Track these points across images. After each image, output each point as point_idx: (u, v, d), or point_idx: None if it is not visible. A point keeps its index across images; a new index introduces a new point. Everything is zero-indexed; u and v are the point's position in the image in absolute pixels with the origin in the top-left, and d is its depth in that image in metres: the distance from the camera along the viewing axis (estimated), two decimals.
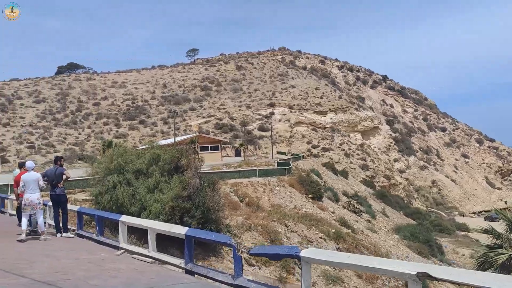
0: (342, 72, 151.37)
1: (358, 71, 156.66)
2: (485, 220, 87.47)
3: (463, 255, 45.99)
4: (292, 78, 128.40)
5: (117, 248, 9.45)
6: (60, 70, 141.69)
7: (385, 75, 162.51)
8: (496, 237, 16.35)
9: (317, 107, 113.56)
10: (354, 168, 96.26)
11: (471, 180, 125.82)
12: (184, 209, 23.68)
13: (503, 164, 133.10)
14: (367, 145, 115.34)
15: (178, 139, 58.92)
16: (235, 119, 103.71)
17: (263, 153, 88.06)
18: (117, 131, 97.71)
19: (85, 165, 70.26)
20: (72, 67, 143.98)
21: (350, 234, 29.33)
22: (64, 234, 11.72)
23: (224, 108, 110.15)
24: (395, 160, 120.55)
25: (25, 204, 11.00)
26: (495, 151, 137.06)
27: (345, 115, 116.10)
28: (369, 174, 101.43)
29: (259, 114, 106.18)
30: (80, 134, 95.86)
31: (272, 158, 64.65)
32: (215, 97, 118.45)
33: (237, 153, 79.27)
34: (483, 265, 15.98)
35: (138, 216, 23.28)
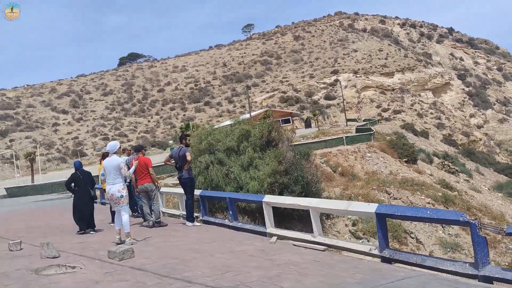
0: (404, 29, 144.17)
1: (421, 26, 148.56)
2: None
3: None
4: (353, 42, 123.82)
5: (263, 234, 8.32)
6: (122, 61, 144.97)
7: (451, 28, 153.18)
8: None
9: (382, 69, 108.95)
10: (429, 128, 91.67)
11: None
12: (283, 185, 22.62)
13: None
14: (440, 103, 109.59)
15: (248, 116, 58.06)
16: (300, 91, 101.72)
17: (332, 122, 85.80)
18: (184, 115, 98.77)
19: (158, 151, 71.44)
20: (133, 57, 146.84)
21: (458, 197, 27.19)
22: (189, 224, 10.40)
23: (287, 81, 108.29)
24: (471, 116, 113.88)
25: (107, 199, 8.96)
26: None
27: (413, 74, 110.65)
28: (446, 133, 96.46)
29: (324, 83, 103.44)
30: (149, 121, 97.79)
31: (346, 126, 62.48)
32: (277, 71, 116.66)
33: (307, 125, 77.61)
34: None
35: None
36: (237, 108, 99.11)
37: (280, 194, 22.24)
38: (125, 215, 8.35)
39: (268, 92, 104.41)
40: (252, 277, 5.37)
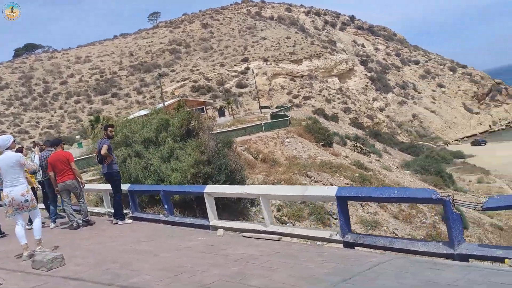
0: (309, 17, 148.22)
1: (325, 14, 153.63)
2: (472, 145, 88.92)
3: (470, 181, 46.06)
4: (262, 30, 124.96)
5: (206, 227, 7.69)
6: (18, 53, 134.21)
7: (353, 15, 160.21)
8: None
9: (291, 56, 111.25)
10: (337, 113, 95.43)
11: (449, 108, 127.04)
12: (207, 174, 21.99)
13: (478, 89, 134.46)
14: (345, 88, 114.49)
15: (161, 105, 56.28)
16: (211, 79, 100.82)
17: (246, 110, 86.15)
18: (90, 108, 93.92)
19: (65, 147, 67.23)
20: (30, 48, 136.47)
21: (373, 176, 28.30)
22: (120, 222, 9.26)
23: (197, 70, 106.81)
24: (374, 99, 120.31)
25: (5, 204, 6.98)
26: (469, 77, 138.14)
27: (320, 60, 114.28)
28: (353, 117, 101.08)
29: (235, 71, 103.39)
30: (52, 116, 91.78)
31: (261, 113, 62.88)
32: (186, 59, 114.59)
33: (221, 113, 77.13)
34: None
35: None
36: (147, 99, 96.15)
37: (204, 184, 21.65)
38: (36, 219, 6.96)
39: (178, 81, 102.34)
40: (212, 276, 4.77)
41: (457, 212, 4.55)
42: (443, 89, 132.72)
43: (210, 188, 7.73)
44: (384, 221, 23.72)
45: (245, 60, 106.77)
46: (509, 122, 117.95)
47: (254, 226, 6.84)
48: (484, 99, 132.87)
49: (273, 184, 25.16)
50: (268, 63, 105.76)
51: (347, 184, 25.79)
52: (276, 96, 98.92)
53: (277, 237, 6.25)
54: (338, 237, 5.63)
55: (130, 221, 9.47)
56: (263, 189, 6.71)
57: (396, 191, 4.95)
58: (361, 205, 24.69)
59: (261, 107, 73.12)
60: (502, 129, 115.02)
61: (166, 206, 8.81)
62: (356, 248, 5.53)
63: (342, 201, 5.50)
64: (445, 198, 4.56)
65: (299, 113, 57.19)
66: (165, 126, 24.80)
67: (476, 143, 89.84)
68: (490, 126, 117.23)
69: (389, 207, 24.97)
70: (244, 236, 6.71)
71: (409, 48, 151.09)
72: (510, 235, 27.22)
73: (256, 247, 5.94)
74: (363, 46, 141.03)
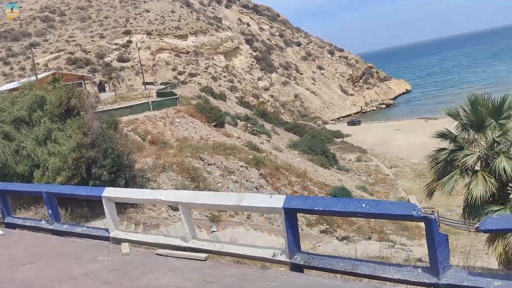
0: None
1: None
2: (348, 125, 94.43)
3: (350, 160, 48.50)
4: (145, 2, 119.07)
5: (106, 239, 6.18)
6: None
7: None
8: (451, 140, 15.82)
9: (176, 31, 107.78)
10: (224, 91, 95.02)
11: (328, 90, 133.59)
12: (91, 159, 19.80)
13: (353, 72, 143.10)
14: (231, 67, 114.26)
15: (34, 78, 50.65)
16: (89, 52, 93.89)
17: (128, 85, 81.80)
18: None
19: None
20: None
21: (267, 158, 28.02)
22: None
23: (74, 41, 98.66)
24: (259, 79, 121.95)
25: None
26: (345, 60, 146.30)
27: (206, 37, 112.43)
28: (239, 95, 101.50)
29: (116, 44, 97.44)
30: None
31: (145, 90, 59.82)
32: (61, 29, 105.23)
33: (101, 89, 72.27)
34: (444, 169, 15.56)
35: (30, 176, 18.82)
36: (15, 70, 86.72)
37: (88, 170, 19.37)
38: None
39: (52, 52, 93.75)
40: None
41: (443, 233, 3.73)
42: (322, 71, 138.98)
43: (111, 192, 6.13)
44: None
45: (127, 33, 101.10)
46: (379, 104, 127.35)
47: (171, 241, 5.49)
48: (358, 82, 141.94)
49: (164, 168, 23.62)
50: (152, 37, 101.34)
51: (242, 166, 25.14)
52: (161, 72, 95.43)
53: (203, 256, 5.02)
54: (284, 258, 4.57)
55: (1, 231, 7.45)
56: (185, 196, 5.35)
57: (364, 205, 3.99)
58: (256, 188, 24.25)
59: (145, 83, 69.75)
60: (373, 110, 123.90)
61: (49, 211, 7.02)
62: (307, 271, 4.54)
63: (290, 214, 4.45)
64: (430, 215, 3.71)
65: (186, 91, 55.36)
66: (40, 103, 21.80)
67: (352, 123, 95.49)
68: (361, 108, 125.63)
69: (283, 189, 24.88)
70: (157, 254, 5.38)
71: (291, 30, 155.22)
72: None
73: (178, 272, 4.66)
74: (248, 25, 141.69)
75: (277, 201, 4.54)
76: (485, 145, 14.93)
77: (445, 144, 16.42)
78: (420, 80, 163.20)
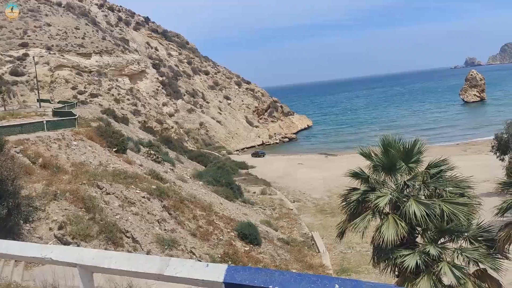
0: (102, 11, 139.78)
1: (119, 11, 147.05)
2: (253, 156, 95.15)
3: (254, 192, 48.16)
4: (47, 15, 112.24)
5: None
6: None
7: (147, 17, 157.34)
8: (363, 180, 15.75)
9: (79, 48, 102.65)
10: (126, 114, 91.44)
11: (233, 120, 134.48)
12: None
13: (258, 104, 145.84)
14: (136, 90, 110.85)
15: None
16: None
17: (21, 101, 75.53)
18: None
19: None
20: None
21: (171, 188, 26.48)
22: None
23: None
24: (164, 104, 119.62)
25: None
26: (252, 92, 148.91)
27: (111, 57, 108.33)
28: (142, 120, 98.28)
29: (10, 56, 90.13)
30: None
31: (40, 107, 55.31)
32: None
33: None
34: (356, 209, 15.36)
35: None
36: None
37: None
38: None
39: None
40: None
41: None
42: (229, 101, 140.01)
43: None
44: (182, 239, 22.06)
45: (24, 45, 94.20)
46: (282, 137, 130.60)
47: None
48: (263, 114, 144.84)
49: (55, 195, 21.17)
50: (51, 52, 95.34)
51: (144, 197, 23.36)
52: (59, 90, 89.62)
53: None
54: None
55: None
56: (87, 257, 4.01)
57: (337, 285, 3.02)
58: (158, 222, 22.60)
59: (40, 101, 64.70)
60: (277, 143, 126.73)
61: None
62: None
63: None
64: None
65: (86, 112, 51.96)
66: None
67: (256, 154, 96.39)
68: (262, 142, 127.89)
69: (187, 223, 23.48)
70: None
71: (200, 58, 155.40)
72: (295, 250, 28.60)
73: None
74: (156, 49, 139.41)
75: (216, 272, 3.40)
76: (395, 187, 15.03)
77: (355, 183, 16.39)
78: (322, 117, 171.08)
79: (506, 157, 39.14)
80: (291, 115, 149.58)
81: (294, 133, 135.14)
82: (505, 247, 13.54)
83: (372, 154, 15.54)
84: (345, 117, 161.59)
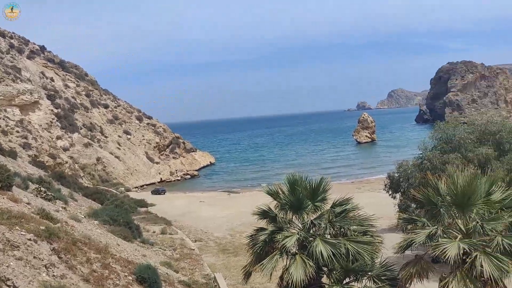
0: None
1: (11, 38, 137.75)
2: (152, 193, 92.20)
3: (154, 232, 46.04)
4: None
5: None
6: None
7: (43, 46, 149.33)
8: (270, 219, 15.44)
9: None
10: (14, 148, 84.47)
11: (133, 156, 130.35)
12: None
13: (160, 140, 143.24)
14: (27, 121, 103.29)
15: None
16: None
17: None
18: None
19: None
20: None
21: (62, 229, 24.20)
22: None
23: None
24: (58, 138, 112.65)
25: None
26: (153, 127, 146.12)
27: (0, 86, 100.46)
28: (33, 154, 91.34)
29: None
30: None
31: None
32: None
33: None
34: (263, 250, 14.92)
35: None
36: None
37: None
38: None
39: None
40: None
41: None
42: (128, 136, 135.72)
43: None
44: (73, 285, 19.98)
45: None
46: (184, 174, 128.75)
47: None
48: (165, 150, 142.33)
49: None
50: None
51: (30, 240, 20.99)
52: None
53: None
54: None
55: None
56: None
57: None
58: (46, 267, 20.34)
59: None
60: (178, 180, 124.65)
61: None
62: None
63: None
64: None
65: None
66: None
67: (156, 192, 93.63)
68: (161, 179, 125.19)
69: (80, 267, 21.41)
70: None
71: (99, 91, 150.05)
72: None
73: None
74: (52, 80, 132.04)
75: None
76: (302, 227, 14.92)
77: (262, 223, 16.06)
78: (225, 154, 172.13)
79: (397, 195, 41.47)
80: (193, 151, 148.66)
81: (196, 170, 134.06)
82: (406, 286, 13.84)
83: (280, 193, 15.39)
84: (248, 155, 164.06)
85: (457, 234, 13.20)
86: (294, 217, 15.16)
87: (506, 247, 12.07)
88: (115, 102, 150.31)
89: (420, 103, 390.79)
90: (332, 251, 13.46)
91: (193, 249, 40.22)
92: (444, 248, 12.19)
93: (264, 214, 15.53)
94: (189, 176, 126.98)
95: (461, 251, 12.21)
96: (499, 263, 11.68)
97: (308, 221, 14.79)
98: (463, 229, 13.33)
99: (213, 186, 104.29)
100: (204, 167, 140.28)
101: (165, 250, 37.15)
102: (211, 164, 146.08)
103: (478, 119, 36.33)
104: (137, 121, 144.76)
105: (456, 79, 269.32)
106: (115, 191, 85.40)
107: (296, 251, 14.36)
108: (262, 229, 15.35)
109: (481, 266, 11.71)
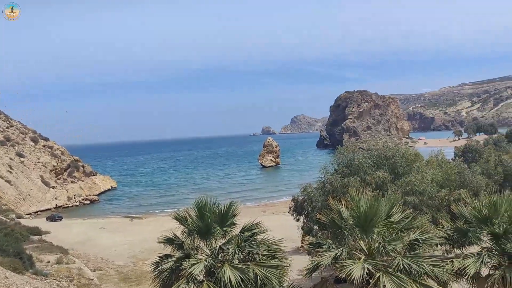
0: None
1: None
2: (48, 220, 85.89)
3: (49, 262, 42.71)
4: None
5: None
6: None
7: None
8: (177, 246, 14.81)
9: None
10: None
11: (26, 180, 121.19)
12: None
13: (57, 163, 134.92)
14: None
15: None
16: None
17: None
18: None
19: None
20: None
21: None
22: None
23: None
24: None
25: None
26: (50, 150, 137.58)
27: None
28: None
29: None
30: None
31: None
32: None
33: None
34: (169, 279, 14.22)
35: None
36: None
37: None
38: None
39: None
40: None
41: None
42: (22, 158, 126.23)
43: None
44: None
45: None
46: (83, 199, 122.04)
47: None
48: (62, 174, 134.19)
49: None
50: None
51: None
52: None
53: None
54: None
55: None
56: None
57: None
58: None
59: None
60: (76, 205, 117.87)
61: None
62: None
63: None
64: None
65: None
66: None
67: (52, 218, 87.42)
68: (56, 204, 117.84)
69: None
70: None
71: None
72: None
73: None
74: None
75: None
76: (209, 253, 14.51)
77: (167, 249, 15.40)
78: (128, 178, 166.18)
79: (301, 218, 42.40)
80: (93, 175, 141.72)
81: (96, 195, 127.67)
82: None
83: (188, 218, 14.91)
84: (151, 179, 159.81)
85: (360, 255, 13.62)
86: (202, 243, 14.71)
87: (406, 266, 12.67)
88: (8, 122, 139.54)
89: (320, 129, 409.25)
90: (240, 277, 13.21)
91: (92, 279, 37.75)
92: (350, 269, 12.48)
93: (170, 241, 14.90)
94: (88, 202, 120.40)
95: (366, 272, 12.57)
96: (401, 282, 12.20)
97: (216, 246, 14.43)
98: (365, 250, 13.80)
99: (114, 211, 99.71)
100: (105, 191, 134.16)
101: (60, 281, 34.43)
102: (113, 188, 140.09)
103: (374, 145, 38.50)
104: (32, 143, 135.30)
105: (353, 107, 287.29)
106: (4, 219, 78.32)
107: (203, 278, 13.90)
108: (167, 256, 14.70)
109: (384, 286, 12.14)
